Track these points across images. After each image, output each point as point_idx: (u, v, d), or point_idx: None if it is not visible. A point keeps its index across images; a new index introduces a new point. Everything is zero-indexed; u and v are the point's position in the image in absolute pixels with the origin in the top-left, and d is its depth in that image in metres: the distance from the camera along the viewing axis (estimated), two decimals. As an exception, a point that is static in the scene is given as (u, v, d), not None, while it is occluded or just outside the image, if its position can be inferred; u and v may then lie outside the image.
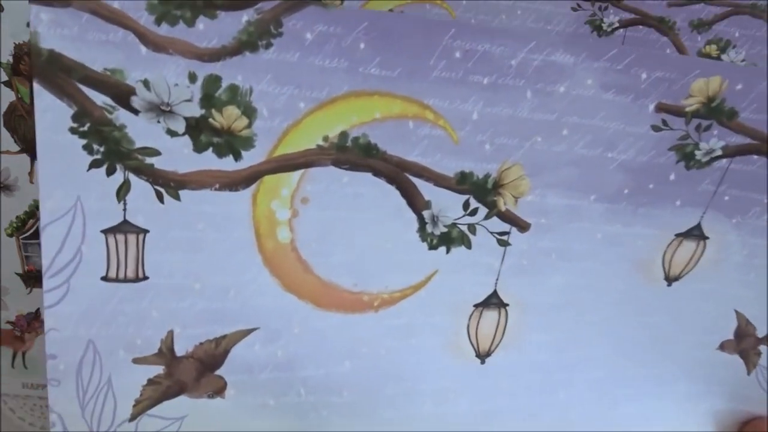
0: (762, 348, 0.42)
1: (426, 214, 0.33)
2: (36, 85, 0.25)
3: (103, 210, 0.28)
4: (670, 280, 0.38)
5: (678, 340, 0.41)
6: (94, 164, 0.27)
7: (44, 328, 0.29)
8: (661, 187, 0.34)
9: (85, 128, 0.26)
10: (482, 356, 0.37)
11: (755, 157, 0.34)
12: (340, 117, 0.29)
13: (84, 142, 0.27)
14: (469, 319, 0.36)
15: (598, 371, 0.40)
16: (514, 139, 0.32)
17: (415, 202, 0.32)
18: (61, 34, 0.25)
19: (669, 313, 0.40)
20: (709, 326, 0.41)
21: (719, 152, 0.34)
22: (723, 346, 0.42)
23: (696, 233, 0.36)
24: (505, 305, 0.36)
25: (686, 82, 0.31)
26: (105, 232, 0.28)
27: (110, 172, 0.27)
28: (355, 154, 0.30)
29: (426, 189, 0.32)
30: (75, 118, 0.26)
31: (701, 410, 0.44)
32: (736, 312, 0.40)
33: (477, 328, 0.37)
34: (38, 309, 0.50)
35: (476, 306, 0.36)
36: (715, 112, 0.32)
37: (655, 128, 0.32)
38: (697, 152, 0.33)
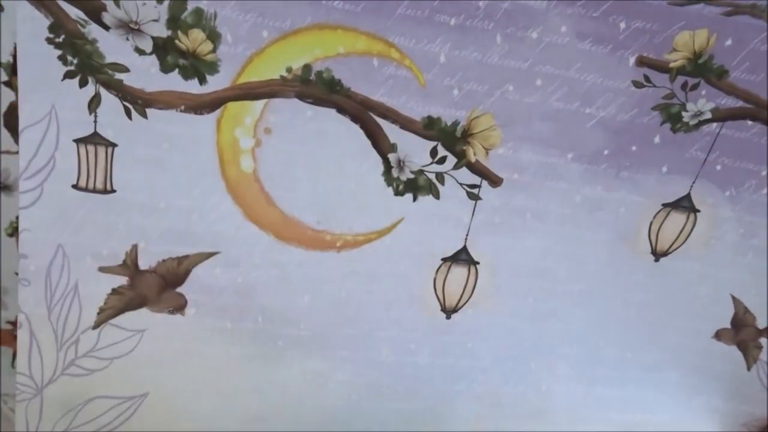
0: (763, 341, 0.40)
1: (392, 157, 0.33)
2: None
3: (75, 120, 0.31)
4: (657, 254, 0.37)
5: (667, 324, 0.39)
6: (68, 75, 0.30)
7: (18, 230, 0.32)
8: (645, 149, 0.33)
9: (60, 39, 0.29)
10: (448, 312, 0.38)
11: (750, 122, 0.32)
12: (304, 49, 0.31)
13: (59, 52, 0.29)
14: (436, 272, 0.37)
15: (575, 347, 0.40)
16: (483, 85, 0.32)
17: (380, 143, 0.33)
18: (40, -52, 0.27)
19: (657, 292, 0.38)
20: (702, 311, 0.39)
21: (708, 115, 0.32)
22: (719, 335, 0.40)
23: (685, 204, 0.35)
24: (475, 263, 0.37)
25: (669, 34, 0.30)
26: (77, 141, 0.31)
27: (83, 83, 0.30)
28: (319, 89, 0.31)
29: (392, 131, 0.33)
30: (51, 28, 0.29)
31: (695, 405, 0.42)
32: (733, 298, 0.38)
33: (444, 283, 0.37)
34: None
35: (444, 260, 0.36)
36: (702, 69, 0.31)
37: (637, 84, 0.31)
38: (684, 114, 0.32)
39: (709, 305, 0.39)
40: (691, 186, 0.34)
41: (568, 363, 0.40)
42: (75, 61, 0.30)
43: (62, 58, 0.29)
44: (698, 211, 0.35)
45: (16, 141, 0.44)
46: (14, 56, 0.43)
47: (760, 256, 0.37)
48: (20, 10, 0.28)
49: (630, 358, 0.41)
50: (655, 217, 0.36)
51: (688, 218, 0.35)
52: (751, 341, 0.40)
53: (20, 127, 0.30)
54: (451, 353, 0.39)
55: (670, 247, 0.36)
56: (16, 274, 0.48)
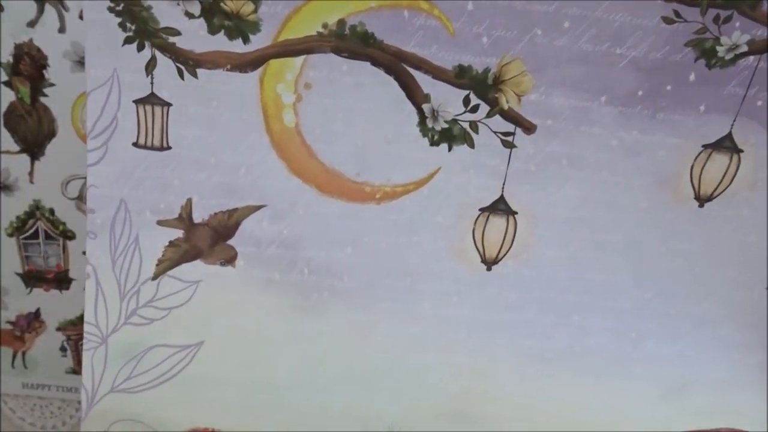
0: (821, 292, 0.39)
1: (426, 107, 0.36)
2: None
3: (134, 82, 0.35)
4: (701, 199, 0.37)
5: (716, 275, 0.40)
6: (127, 40, 0.34)
7: (86, 185, 0.36)
8: (681, 88, 0.34)
9: (120, 8, 0.33)
10: (488, 263, 0.39)
11: (788, 54, 0.33)
12: (337, 5, 0.34)
13: (119, 20, 0.33)
14: (475, 223, 0.39)
15: (620, 300, 0.41)
16: (512, 31, 0.34)
17: (414, 94, 0.36)
18: (101, -75, 0.32)
19: (703, 240, 0.39)
20: (754, 260, 0.39)
21: (745, 48, 0.33)
22: (773, 286, 0.40)
23: (727, 145, 0.36)
24: (513, 212, 0.38)
25: (697, -34, 0.31)
26: (136, 102, 0.35)
27: (140, 48, 0.34)
28: (354, 43, 0.34)
29: (425, 82, 0.35)
30: (112, -2, 0.33)
31: (752, 363, 0.42)
32: (785, 245, 0.38)
33: (483, 234, 0.39)
34: (38, 309, 0.55)
35: (482, 210, 0.38)
36: (734, 0, 0.31)
37: (667, 20, 0.33)
38: (718, 48, 0.33)
39: (761, 253, 0.39)
40: (732, 125, 0.35)
41: (613, 316, 0.41)
42: (133, 28, 0.34)
43: (122, 25, 0.34)
44: (741, 151, 0.36)
45: (16, 141, 0.49)
46: (14, 56, 0.46)
47: (811, 198, 0.37)
48: (86, -18, 0.33)
49: (679, 312, 0.41)
50: (696, 159, 0.36)
51: (731, 159, 0.36)
52: (809, 292, 0.39)
53: (87, 90, 0.35)
54: (493, 306, 0.40)
55: (714, 191, 0.37)
56: (17, 274, 0.53)
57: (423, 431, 0.42)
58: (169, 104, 0.35)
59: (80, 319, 0.56)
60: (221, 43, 0.34)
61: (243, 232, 0.38)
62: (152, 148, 0.36)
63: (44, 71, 0.47)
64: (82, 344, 0.55)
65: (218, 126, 0.36)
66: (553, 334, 0.41)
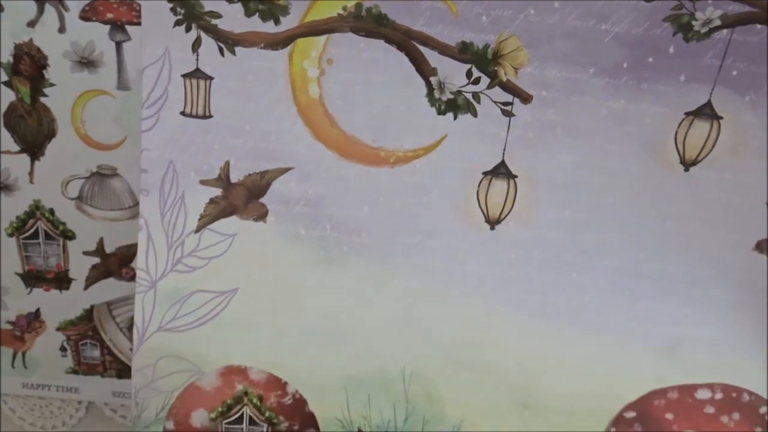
0: (805, 252, 0.42)
1: (433, 80, 0.41)
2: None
3: (183, 59, 0.41)
4: (686, 164, 0.41)
5: (705, 237, 0.43)
6: (177, 23, 0.40)
7: (140, 148, 0.43)
8: (662, 60, 0.38)
9: (171, -5, 0.40)
10: (492, 223, 0.44)
11: (758, 26, 0.36)
12: (356, -10, 0.39)
13: (170, 5, 0.40)
14: (479, 185, 0.43)
15: (616, 260, 0.45)
16: (508, 11, 0.39)
17: (423, 68, 0.41)
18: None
19: (691, 203, 0.43)
20: (740, 222, 0.43)
21: (718, 22, 0.37)
22: (759, 247, 0.43)
23: (707, 112, 0.39)
24: (513, 176, 0.43)
25: (670, -51, 0.35)
26: (183, 76, 0.41)
27: (188, 29, 0.40)
28: (369, 23, 0.40)
29: (432, 57, 0.41)
30: (165, -14, 0.39)
31: (743, 322, 0.45)
32: (768, 206, 0.42)
33: (486, 195, 0.44)
34: (38, 309, 0.56)
35: (485, 174, 0.43)
36: (705, -22, 0.36)
37: (646, -2, 0.37)
38: (694, 23, 0.37)
39: (746, 215, 0.42)
40: (710, 93, 0.39)
41: (609, 275, 0.45)
42: (182, 12, 0.40)
43: (173, 10, 0.40)
44: (721, 117, 0.40)
45: (16, 141, 0.50)
46: (14, 56, 0.46)
47: (790, 161, 0.40)
48: (144, -25, 0.39)
49: (672, 272, 0.45)
50: (679, 126, 0.40)
51: (712, 125, 0.40)
52: (793, 252, 0.43)
53: (143, 66, 0.41)
54: (497, 263, 0.45)
55: (698, 155, 0.41)
56: (17, 274, 0.54)
57: (433, 375, 0.47)
58: (211, 78, 0.42)
59: (80, 319, 0.59)
60: (256, 24, 0.40)
61: (273, 191, 0.44)
62: (196, 116, 0.42)
63: (44, 71, 0.48)
64: (82, 344, 0.59)
65: (252, 97, 0.42)
66: (553, 290, 0.45)
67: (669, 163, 0.42)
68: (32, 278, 0.55)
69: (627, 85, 0.40)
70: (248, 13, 0.40)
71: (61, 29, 0.48)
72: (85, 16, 0.49)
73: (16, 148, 0.51)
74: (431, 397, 0.47)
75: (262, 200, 0.44)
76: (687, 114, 0.40)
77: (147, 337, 0.46)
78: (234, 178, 0.44)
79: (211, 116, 0.42)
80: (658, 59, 0.39)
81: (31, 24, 0.47)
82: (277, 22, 0.40)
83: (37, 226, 0.54)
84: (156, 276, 0.45)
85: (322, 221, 0.44)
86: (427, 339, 0.47)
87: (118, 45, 0.51)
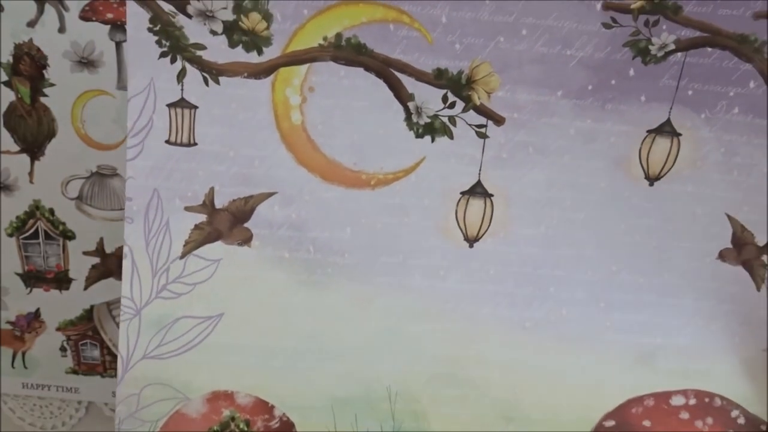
0: (766, 258, 0.45)
1: (411, 105, 0.43)
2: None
3: (167, 89, 0.43)
4: (651, 179, 0.44)
5: (673, 247, 0.46)
6: (163, 55, 0.42)
7: (125, 176, 0.44)
8: (623, 82, 0.42)
9: (157, 28, 0.42)
10: (470, 241, 0.46)
11: (709, 49, 0.40)
12: (335, 21, 0.42)
13: (156, 38, 0.42)
14: (457, 205, 0.46)
15: (589, 272, 0.47)
16: (479, 38, 0.42)
17: (401, 94, 0.43)
18: (143, -38, 0.40)
19: (657, 216, 0.46)
20: (703, 232, 0.46)
21: (672, 46, 0.40)
22: (722, 255, 0.46)
23: (667, 129, 0.43)
24: (490, 195, 0.45)
25: (626, -19, 0.39)
26: (168, 105, 0.43)
27: (173, 61, 0.42)
28: (349, 52, 0.42)
29: (409, 83, 0.43)
30: (151, 20, 0.41)
31: (714, 329, 0.48)
32: (729, 216, 0.45)
33: (464, 215, 0.46)
34: (38, 309, 0.57)
35: (463, 193, 0.45)
36: (659, 7, 0.39)
37: (606, 26, 0.40)
38: (651, 47, 0.40)
39: (708, 225, 0.45)
40: (669, 111, 0.42)
41: (584, 288, 0.47)
42: (168, 44, 0.42)
43: (158, 42, 0.42)
44: (680, 134, 0.43)
45: (16, 141, 0.50)
46: (14, 56, 0.46)
47: (745, 174, 0.43)
48: (130, 7, 0.41)
49: (643, 283, 0.47)
50: (642, 143, 0.43)
51: (672, 142, 0.43)
52: (754, 260, 0.46)
53: (128, 96, 0.43)
54: (477, 279, 0.47)
55: (661, 170, 0.44)
56: (17, 274, 0.55)
57: (418, 393, 0.48)
58: (195, 107, 0.43)
59: (80, 319, 0.59)
60: (239, 55, 0.42)
61: (257, 216, 0.45)
62: (181, 144, 0.44)
63: (44, 71, 0.49)
64: (82, 344, 0.60)
65: (236, 124, 0.44)
66: (531, 304, 0.48)
67: (634, 178, 0.45)
68: (32, 278, 0.55)
69: (592, 106, 0.43)
70: (232, 45, 0.42)
71: (61, 29, 0.49)
72: (85, 16, 0.50)
73: (16, 148, 0.51)
74: (417, 415, 0.49)
75: (246, 225, 0.46)
76: (649, 132, 0.43)
77: (131, 365, 0.47)
78: (218, 203, 0.45)
79: (195, 144, 0.44)
80: (619, 81, 0.42)
81: (31, 24, 0.47)
82: (260, 52, 0.42)
83: (37, 226, 0.54)
84: (141, 303, 0.46)
85: (305, 244, 0.46)
86: (411, 356, 0.48)
87: (118, 45, 0.51)
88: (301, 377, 0.48)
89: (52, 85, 0.50)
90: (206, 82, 0.43)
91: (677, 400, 0.49)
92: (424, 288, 0.47)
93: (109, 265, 0.57)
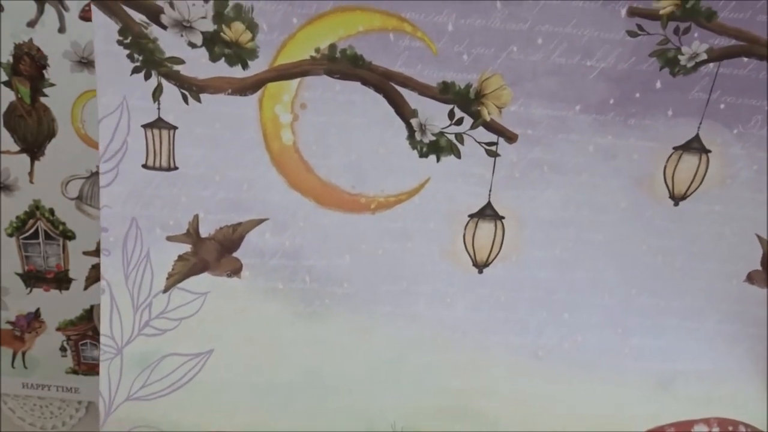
0: (796, 282, 0.42)
1: (414, 122, 0.39)
2: (93, 7, 0.36)
3: (143, 108, 0.38)
4: (676, 198, 0.41)
5: (696, 269, 0.43)
6: (135, 70, 0.38)
7: (99, 205, 0.40)
8: (648, 95, 0.38)
9: (128, 41, 0.37)
10: (480, 266, 0.43)
11: (745, 59, 0.36)
12: (328, 30, 0.37)
13: (127, 52, 0.37)
14: (465, 228, 0.42)
15: (606, 297, 0.44)
16: (490, 49, 0.37)
17: (403, 110, 0.39)
18: (110, -33, 0.36)
19: (681, 237, 0.42)
20: (730, 254, 0.42)
21: (704, 56, 0.36)
22: (751, 278, 0.43)
23: (695, 146, 0.39)
24: (500, 217, 0.42)
25: (655, -16, 0.35)
26: (144, 126, 0.39)
27: (147, 77, 0.38)
28: (345, 65, 0.38)
29: (412, 98, 0.39)
30: (120, 32, 0.37)
31: (738, 353, 0.45)
32: (759, 237, 0.41)
33: (473, 238, 0.42)
34: (38, 309, 0.56)
35: (471, 216, 0.42)
36: (691, 12, 0.35)
37: (631, 34, 0.36)
38: (680, 57, 0.36)
39: (736, 246, 0.42)
40: (698, 127, 0.38)
41: (601, 313, 0.44)
42: (140, 58, 0.37)
43: (130, 56, 0.37)
44: (709, 151, 0.39)
45: (16, 141, 0.50)
46: (14, 56, 0.46)
47: (779, 192, 0.40)
48: (96, 18, 0.36)
49: (664, 306, 0.44)
50: (668, 160, 0.40)
51: (700, 159, 0.39)
52: (784, 282, 0.43)
53: (99, 117, 0.38)
54: (486, 306, 0.43)
55: (688, 189, 0.40)
56: (17, 274, 0.55)
57: (425, 428, 0.45)
58: (175, 127, 0.39)
59: (80, 319, 0.59)
60: (222, 69, 0.38)
61: (247, 244, 0.41)
62: (160, 168, 0.40)
63: (44, 71, 0.49)
64: (82, 344, 0.59)
65: (221, 146, 0.39)
66: (544, 331, 0.44)
67: (658, 197, 0.41)
68: (32, 278, 0.56)
69: (614, 121, 0.39)
70: (213, 58, 0.38)
71: (61, 29, 0.48)
72: (85, 16, 0.49)
73: (16, 148, 0.51)
74: (424, 450, 0.46)
75: (235, 254, 0.42)
76: (675, 148, 0.39)
77: (115, 407, 0.43)
78: (204, 232, 0.41)
79: (176, 168, 0.40)
80: (644, 94, 0.38)
81: (31, 24, 0.47)
82: (244, 66, 0.38)
83: (37, 226, 0.54)
84: (122, 341, 0.42)
85: (300, 273, 0.42)
86: (416, 389, 0.45)
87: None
88: (299, 414, 0.44)
89: (52, 85, 0.50)
90: (186, 100, 0.38)
91: (700, 429, 0.46)
92: (429, 317, 0.43)
93: (109, 265, 0.56)
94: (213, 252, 0.41)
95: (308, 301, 0.43)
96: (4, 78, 0.49)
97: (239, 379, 0.43)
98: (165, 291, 0.42)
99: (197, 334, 0.42)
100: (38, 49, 0.48)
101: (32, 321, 0.57)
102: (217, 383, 0.43)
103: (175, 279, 0.42)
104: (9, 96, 0.49)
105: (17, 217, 0.54)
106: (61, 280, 0.56)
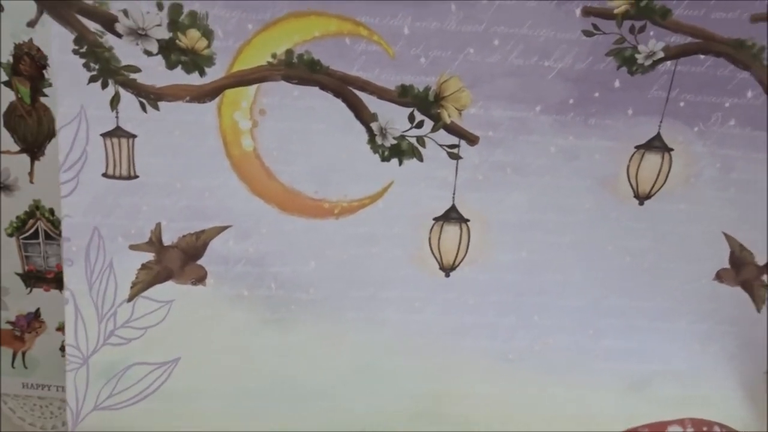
0: (766, 278, 0.42)
1: (374, 126, 0.39)
2: (48, 17, 0.36)
3: (101, 117, 0.38)
4: (641, 198, 0.40)
5: (665, 269, 0.43)
6: (92, 79, 0.37)
7: (60, 216, 0.40)
8: (608, 95, 0.38)
9: (84, 50, 0.37)
10: (446, 270, 0.42)
11: (702, 57, 0.36)
12: (284, 36, 0.37)
13: (83, 61, 0.37)
14: (430, 232, 0.42)
15: (576, 298, 0.43)
16: (446, 51, 0.37)
17: (362, 114, 0.39)
18: (63, -24, 0.35)
19: (648, 236, 0.42)
20: (698, 252, 0.42)
21: (661, 54, 0.36)
22: (720, 276, 0.42)
23: (657, 144, 0.39)
24: (465, 220, 0.41)
25: (608, -17, 0.34)
26: (103, 135, 0.38)
27: (104, 85, 0.38)
28: (302, 70, 0.38)
29: (371, 102, 0.39)
30: (76, 41, 0.37)
31: (711, 353, 0.45)
32: (726, 235, 0.41)
33: (439, 242, 0.42)
34: (38, 309, 0.55)
35: (436, 220, 0.41)
36: (645, 11, 0.35)
37: (587, 33, 0.36)
38: (637, 56, 0.36)
39: (704, 245, 0.42)
40: (659, 125, 0.38)
41: (571, 315, 0.44)
42: (97, 67, 0.37)
43: (86, 66, 0.37)
44: (671, 149, 0.39)
45: (16, 141, 0.49)
46: (14, 56, 0.46)
47: (743, 190, 0.39)
48: (53, 28, 0.36)
49: (634, 307, 0.44)
50: (630, 160, 0.39)
51: (663, 158, 0.39)
52: (754, 280, 0.42)
53: (57, 127, 0.38)
54: (454, 310, 0.43)
55: (652, 188, 0.40)
56: (17, 274, 0.54)
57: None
58: (134, 136, 0.39)
59: None
60: (179, 77, 0.38)
61: (211, 252, 0.41)
62: (120, 177, 0.39)
63: (44, 71, 0.48)
64: None
65: (181, 154, 0.39)
66: (514, 334, 0.44)
67: (622, 197, 0.41)
68: (32, 278, 0.55)
69: (574, 121, 0.39)
70: (170, 66, 0.38)
71: None
72: None
73: (16, 148, 0.51)
74: (396, 456, 0.45)
75: (199, 262, 0.41)
76: (637, 147, 0.39)
77: (82, 417, 0.43)
78: (167, 240, 0.41)
79: (136, 176, 0.40)
80: (604, 94, 0.38)
81: (31, 24, 0.44)
82: (202, 73, 0.38)
83: (37, 226, 0.53)
84: (87, 351, 0.42)
85: (266, 280, 0.42)
86: (388, 395, 0.44)
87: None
88: (269, 422, 0.44)
89: (52, 85, 0.48)
90: (144, 108, 0.38)
91: (674, 430, 0.45)
92: (398, 322, 0.43)
93: (108, 265, 0.55)
94: (176, 260, 0.41)
95: (274, 308, 0.42)
96: (4, 78, 0.48)
97: (207, 388, 0.43)
98: (129, 300, 0.42)
99: (163, 342, 0.42)
100: (38, 49, 0.47)
101: (32, 321, 0.56)
102: (185, 392, 0.43)
103: (139, 288, 0.41)
104: (9, 96, 0.49)
105: (17, 217, 0.53)
106: (61, 280, 0.53)
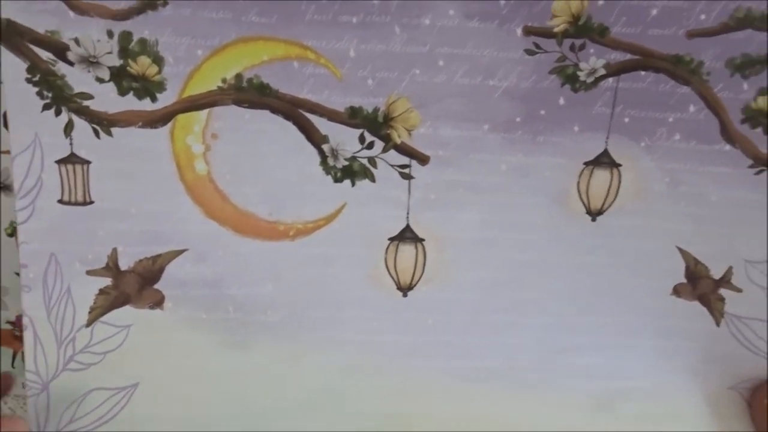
0: (723, 292, 0.42)
1: (325, 147, 0.39)
2: (2, 47, 0.37)
3: (55, 144, 0.39)
4: (593, 214, 0.40)
5: (624, 285, 0.42)
6: (45, 107, 0.38)
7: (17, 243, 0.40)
8: (554, 112, 0.38)
9: (36, 78, 0.37)
10: (404, 289, 0.42)
11: (643, 73, 0.36)
12: (234, 60, 0.38)
13: (36, 89, 0.38)
14: (386, 252, 0.42)
15: (537, 316, 0.43)
16: (393, 72, 0.38)
17: (313, 136, 0.39)
18: (14, 6, 0.36)
19: (603, 253, 0.42)
20: (654, 267, 0.42)
21: (602, 71, 0.36)
22: (677, 291, 0.42)
23: (605, 161, 0.39)
24: (420, 240, 0.41)
25: (547, 3, 0.35)
26: (57, 162, 0.39)
27: (57, 113, 0.38)
28: (252, 94, 0.38)
29: (321, 124, 0.39)
30: (28, 70, 0.37)
31: (675, 368, 0.45)
32: (680, 250, 0.41)
33: (395, 262, 0.42)
34: None
35: (391, 239, 0.41)
36: (584, 30, 0.35)
37: (529, 52, 0.36)
38: (579, 73, 0.37)
39: (660, 260, 0.41)
40: (606, 141, 0.38)
41: (533, 333, 0.43)
42: (50, 95, 0.38)
43: (39, 94, 0.38)
44: (620, 165, 0.39)
45: None
46: None
47: (694, 204, 0.39)
48: (4, 57, 0.37)
49: (597, 324, 0.43)
50: (580, 176, 0.39)
51: (612, 173, 0.39)
52: (711, 294, 0.42)
53: (12, 155, 0.39)
54: (413, 330, 0.43)
55: (603, 204, 0.40)
56: (16, 274, 0.53)
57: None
58: (88, 162, 0.39)
59: None
60: (131, 103, 0.38)
61: (168, 275, 0.41)
62: (76, 203, 0.40)
63: None
64: None
65: (136, 179, 0.39)
66: (476, 353, 0.44)
67: (575, 213, 0.41)
68: None
69: (523, 139, 0.39)
70: (122, 92, 0.38)
71: None
72: None
73: None
74: (359, 479, 0.45)
75: (156, 286, 0.41)
76: (586, 164, 0.39)
77: (42, 444, 0.43)
78: (124, 265, 0.41)
79: (92, 202, 0.40)
80: (549, 111, 0.38)
81: None
82: (153, 99, 0.38)
83: None
84: (47, 377, 0.42)
85: (223, 302, 0.42)
86: (349, 416, 0.44)
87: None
88: (228, 446, 0.44)
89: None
90: (97, 135, 0.39)
91: (640, 447, 0.45)
92: (358, 342, 0.43)
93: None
94: (134, 284, 0.41)
95: (233, 331, 0.42)
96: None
97: (167, 412, 0.43)
98: (88, 325, 0.42)
99: (122, 367, 0.42)
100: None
101: (32, 321, 0.57)
102: (145, 416, 0.43)
103: (97, 313, 0.42)
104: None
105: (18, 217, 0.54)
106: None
